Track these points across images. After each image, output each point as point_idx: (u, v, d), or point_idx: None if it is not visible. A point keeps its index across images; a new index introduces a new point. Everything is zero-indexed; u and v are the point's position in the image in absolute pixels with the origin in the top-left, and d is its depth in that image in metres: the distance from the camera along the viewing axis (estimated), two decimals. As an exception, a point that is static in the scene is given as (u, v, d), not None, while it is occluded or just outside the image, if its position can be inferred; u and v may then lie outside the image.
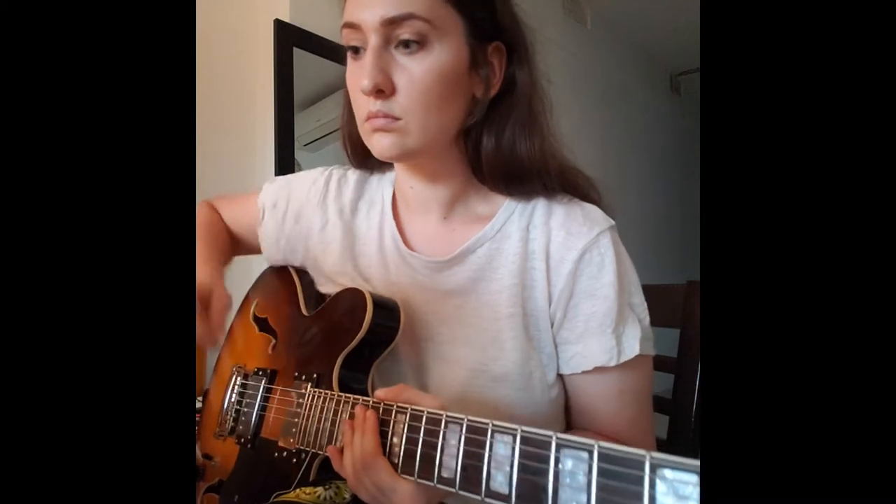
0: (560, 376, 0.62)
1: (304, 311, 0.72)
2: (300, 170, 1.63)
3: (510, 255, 0.61)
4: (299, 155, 1.64)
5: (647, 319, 0.61)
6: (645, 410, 0.62)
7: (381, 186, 0.73)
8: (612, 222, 0.62)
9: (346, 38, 0.58)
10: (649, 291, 0.62)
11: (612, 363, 0.58)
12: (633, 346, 0.58)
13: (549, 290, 0.60)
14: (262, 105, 1.61)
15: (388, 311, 0.62)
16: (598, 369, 0.58)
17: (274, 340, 0.72)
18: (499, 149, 0.60)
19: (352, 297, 0.63)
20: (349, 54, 0.59)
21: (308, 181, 0.76)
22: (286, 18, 1.55)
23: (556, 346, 0.61)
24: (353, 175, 0.75)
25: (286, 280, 0.77)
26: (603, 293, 0.58)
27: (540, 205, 0.63)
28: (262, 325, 0.75)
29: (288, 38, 1.54)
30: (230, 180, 1.58)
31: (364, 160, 0.71)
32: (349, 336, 0.60)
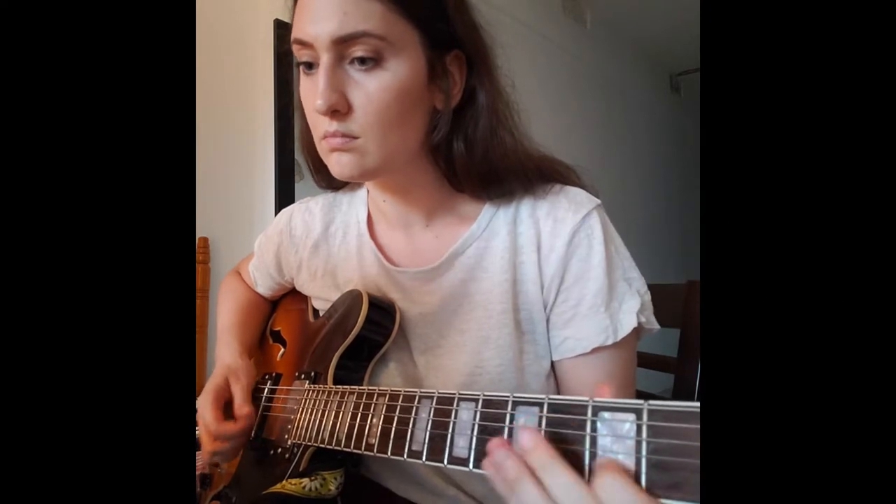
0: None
1: (311, 319, 0.74)
2: (300, 169, 1.64)
3: (499, 251, 0.61)
4: (299, 155, 1.64)
5: (646, 293, 0.60)
6: (630, 392, 0.62)
7: (353, 207, 0.72)
8: (598, 202, 0.61)
9: (297, 54, 0.56)
10: (649, 291, 0.62)
11: (609, 342, 0.57)
12: (630, 320, 0.57)
13: (540, 280, 0.59)
14: (262, 105, 1.61)
15: (383, 311, 0.62)
16: (594, 350, 0.57)
17: (283, 349, 0.75)
18: (470, 156, 0.58)
19: (350, 298, 0.64)
20: (302, 69, 0.56)
21: (275, 231, 0.78)
22: (286, 18, 1.55)
23: (548, 333, 0.61)
24: (315, 205, 0.75)
25: (298, 295, 0.79)
26: (593, 274, 0.58)
27: (525, 198, 0.62)
28: (276, 336, 0.79)
29: (288, 38, 1.54)
30: (230, 180, 1.58)
31: (328, 178, 0.69)
32: (346, 333, 0.61)
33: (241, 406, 0.65)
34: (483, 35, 0.60)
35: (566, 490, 0.32)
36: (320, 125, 0.55)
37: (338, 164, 0.56)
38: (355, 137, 0.54)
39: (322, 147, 0.57)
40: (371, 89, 0.52)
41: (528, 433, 0.35)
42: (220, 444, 0.64)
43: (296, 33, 0.54)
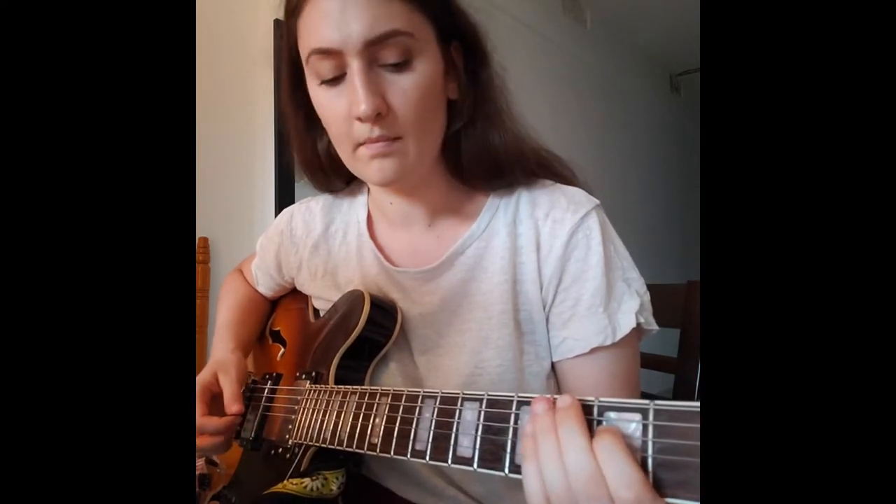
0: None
1: (311, 319, 0.74)
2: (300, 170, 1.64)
3: (499, 251, 0.61)
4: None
5: (646, 293, 0.60)
6: (635, 393, 0.61)
7: (353, 208, 0.72)
8: (597, 202, 0.61)
9: (316, 68, 0.53)
10: (649, 291, 0.62)
11: (608, 342, 0.56)
12: (629, 321, 0.57)
13: (539, 280, 0.59)
14: (261, 105, 1.61)
15: (385, 311, 0.62)
16: (593, 351, 0.57)
17: (283, 349, 0.75)
18: (474, 146, 0.59)
19: (352, 298, 0.64)
20: (323, 87, 0.54)
21: (276, 231, 0.78)
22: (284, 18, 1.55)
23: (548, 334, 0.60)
24: (316, 205, 0.75)
25: (298, 295, 0.79)
26: (591, 274, 0.58)
27: (523, 196, 0.62)
28: (275, 336, 0.79)
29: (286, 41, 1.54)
30: (230, 180, 1.58)
31: (327, 183, 0.69)
32: (347, 333, 0.61)
33: (231, 403, 0.65)
34: (477, 22, 0.60)
35: (576, 453, 0.33)
36: (357, 133, 0.54)
37: (380, 171, 0.55)
38: (397, 138, 0.54)
39: (360, 154, 0.55)
40: (406, 87, 0.52)
41: (568, 396, 0.36)
42: (204, 440, 0.64)
43: (316, 43, 0.52)
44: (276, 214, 0.96)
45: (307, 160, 0.67)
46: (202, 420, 0.64)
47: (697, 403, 0.30)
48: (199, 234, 1.48)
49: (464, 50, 0.59)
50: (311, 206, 0.75)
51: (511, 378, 0.59)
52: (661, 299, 0.89)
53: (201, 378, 0.68)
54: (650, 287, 0.62)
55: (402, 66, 0.52)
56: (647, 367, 0.93)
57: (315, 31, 0.52)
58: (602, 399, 0.34)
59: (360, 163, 0.56)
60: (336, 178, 0.68)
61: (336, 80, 0.53)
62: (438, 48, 0.55)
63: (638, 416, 0.33)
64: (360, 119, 0.52)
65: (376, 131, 0.53)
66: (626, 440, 0.33)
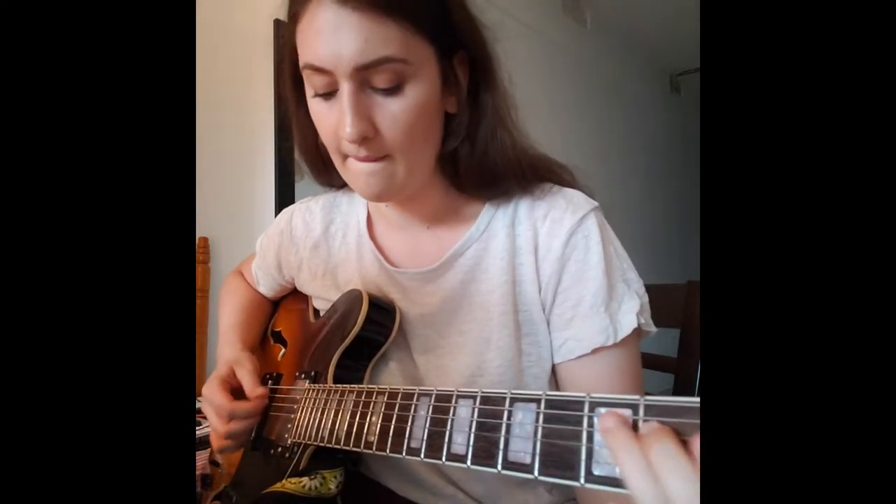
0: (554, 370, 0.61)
1: (311, 319, 0.74)
2: (300, 169, 1.64)
3: (498, 252, 0.61)
4: (299, 155, 1.64)
5: (644, 295, 0.60)
6: (639, 392, 0.61)
7: (353, 208, 0.72)
8: (596, 204, 0.61)
9: (310, 80, 0.53)
10: (649, 291, 0.62)
11: (610, 342, 0.56)
12: (630, 320, 0.57)
13: (538, 281, 0.59)
14: (261, 105, 1.61)
15: (383, 310, 0.62)
16: (595, 351, 0.57)
17: (284, 349, 0.75)
18: (473, 156, 0.59)
19: (350, 298, 0.64)
20: (317, 98, 0.54)
21: (276, 231, 0.78)
22: (286, 18, 1.55)
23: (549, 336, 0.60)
24: (316, 204, 0.75)
25: (299, 296, 0.80)
26: (591, 275, 0.57)
27: (523, 199, 0.62)
28: (277, 337, 0.79)
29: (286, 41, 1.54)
30: (230, 180, 1.58)
31: (325, 175, 0.69)
32: (346, 333, 0.61)
33: (254, 388, 0.65)
34: (483, 31, 0.59)
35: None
36: (345, 149, 0.54)
37: (368, 187, 0.56)
38: (384, 157, 0.54)
39: (349, 166, 0.56)
40: (396, 111, 0.52)
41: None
42: (235, 425, 0.64)
43: (310, 59, 0.51)
44: (276, 214, 0.95)
45: (307, 150, 0.67)
46: (231, 406, 0.64)
47: (688, 399, 0.30)
48: (199, 234, 1.48)
49: (469, 61, 0.58)
50: (310, 206, 0.75)
51: (510, 379, 0.59)
52: (661, 299, 0.89)
53: (218, 373, 0.68)
54: (650, 287, 0.62)
55: (393, 90, 0.51)
56: (647, 367, 0.93)
57: (308, 47, 0.51)
58: (593, 395, 0.34)
59: (350, 174, 0.57)
60: (335, 173, 0.68)
61: (329, 94, 0.53)
62: (437, 66, 0.54)
63: (629, 412, 0.32)
64: (346, 140, 0.52)
65: (362, 151, 0.53)
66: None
